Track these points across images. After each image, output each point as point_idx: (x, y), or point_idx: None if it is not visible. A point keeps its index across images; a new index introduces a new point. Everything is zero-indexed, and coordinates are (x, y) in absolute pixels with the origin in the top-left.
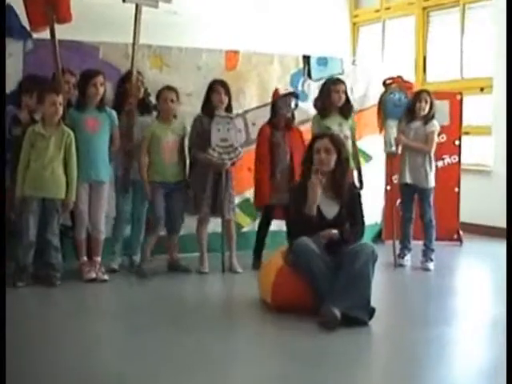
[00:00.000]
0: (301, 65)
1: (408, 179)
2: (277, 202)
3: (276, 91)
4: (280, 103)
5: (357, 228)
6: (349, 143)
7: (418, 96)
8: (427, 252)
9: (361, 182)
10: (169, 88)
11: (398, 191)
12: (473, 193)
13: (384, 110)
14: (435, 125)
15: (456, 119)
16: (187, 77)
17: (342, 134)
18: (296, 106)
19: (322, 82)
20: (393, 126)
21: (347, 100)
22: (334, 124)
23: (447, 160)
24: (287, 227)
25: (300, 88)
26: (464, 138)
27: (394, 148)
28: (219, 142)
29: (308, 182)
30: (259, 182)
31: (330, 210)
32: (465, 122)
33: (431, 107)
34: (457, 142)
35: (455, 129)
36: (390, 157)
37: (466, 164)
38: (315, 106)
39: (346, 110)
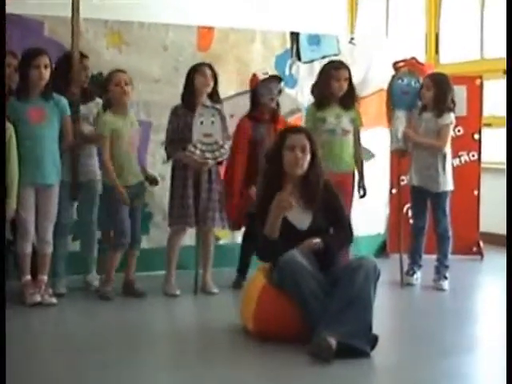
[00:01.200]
0: (288, 44)
1: (415, 181)
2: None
3: (254, 77)
4: (261, 90)
5: (343, 232)
6: (348, 139)
7: (423, 82)
8: (441, 268)
9: (363, 188)
10: (120, 70)
11: (405, 195)
12: (496, 196)
13: (391, 98)
14: (450, 117)
15: (475, 108)
16: (152, 58)
17: (338, 128)
18: (280, 91)
19: (312, 64)
20: (401, 118)
21: (350, 88)
22: (331, 116)
23: (464, 157)
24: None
25: (287, 72)
26: (485, 131)
27: (401, 143)
28: (202, 138)
29: (275, 200)
30: (229, 196)
31: (303, 219)
32: (485, 112)
33: (439, 95)
34: (476, 136)
35: (474, 120)
36: (398, 154)
37: (488, 162)
38: (313, 93)
39: (348, 99)
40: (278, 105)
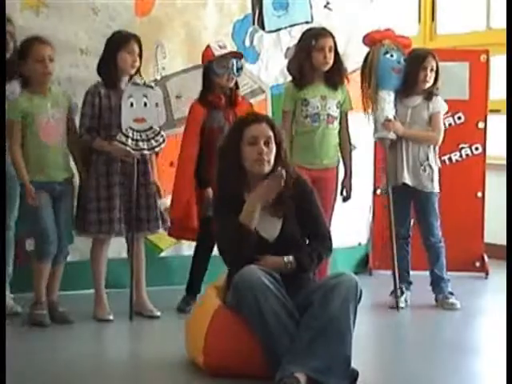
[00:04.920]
0: (249, 9)
1: (407, 179)
2: None
3: (207, 50)
4: (216, 69)
5: (320, 245)
6: (334, 127)
7: (419, 60)
8: (442, 283)
9: (349, 189)
10: (41, 40)
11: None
12: (504, 200)
13: (376, 76)
14: (442, 103)
15: (480, 90)
16: (77, 24)
17: (323, 113)
18: (240, 69)
19: (279, 34)
20: (389, 101)
21: (337, 61)
22: (315, 96)
23: (466, 151)
24: (219, 250)
25: (248, 43)
26: (491, 119)
27: (391, 133)
28: (133, 124)
29: (251, 195)
30: (177, 193)
31: (271, 228)
32: (493, 95)
33: (437, 76)
34: (481, 125)
35: (479, 104)
36: (384, 145)
37: (494, 157)
38: (289, 69)
39: (336, 75)
40: (236, 85)
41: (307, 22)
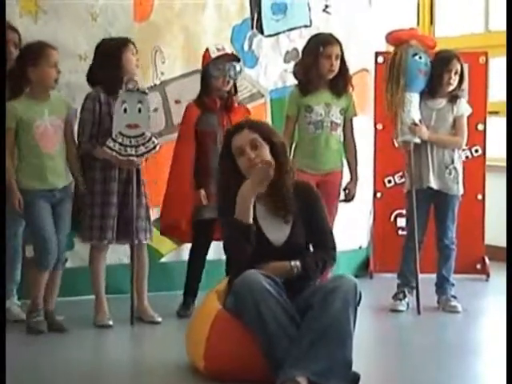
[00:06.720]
0: (248, 13)
1: (433, 183)
2: (212, 215)
3: (206, 53)
4: (212, 70)
5: (325, 252)
6: (336, 134)
7: (443, 62)
8: (447, 286)
9: (353, 191)
10: (52, 46)
11: (392, 199)
12: (504, 201)
13: (404, 78)
14: (466, 106)
15: (479, 92)
16: (76, 29)
17: (327, 120)
18: (238, 73)
19: (278, 38)
20: (414, 103)
21: (343, 68)
22: (319, 103)
23: (466, 153)
24: (225, 254)
25: (246, 47)
26: (491, 120)
27: (416, 137)
28: (124, 130)
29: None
30: (170, 194)
31: (279, 233)
32: (492, 97)
33: (461, 79)
34: (480, 127)
35: (478, 106)
36: (407, 148)
37: (494, 159)
38: (295, 74)
39: (340, 82)
40: (235, 90)
41: (306, 26)
